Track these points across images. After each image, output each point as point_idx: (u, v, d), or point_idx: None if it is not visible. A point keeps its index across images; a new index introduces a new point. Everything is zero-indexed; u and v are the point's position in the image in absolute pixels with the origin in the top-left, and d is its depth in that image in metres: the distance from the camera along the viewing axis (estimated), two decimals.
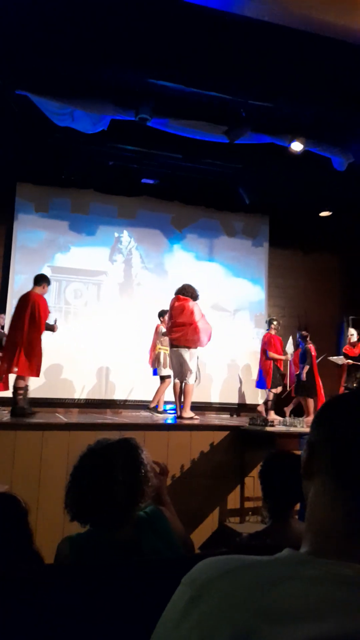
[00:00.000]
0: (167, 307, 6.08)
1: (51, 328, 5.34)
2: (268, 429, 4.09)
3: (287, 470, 1.77)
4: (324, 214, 7.77)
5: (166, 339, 6.15)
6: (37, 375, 5.09)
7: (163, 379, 6.26)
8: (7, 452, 3.75)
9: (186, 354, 5.34)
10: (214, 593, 0.58)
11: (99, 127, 5.37)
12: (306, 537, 0.67)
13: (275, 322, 7.14)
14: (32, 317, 4.99)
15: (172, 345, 5.45)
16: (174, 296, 5.58)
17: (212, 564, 0.63)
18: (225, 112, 5.35)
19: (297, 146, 5.61)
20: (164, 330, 6.15)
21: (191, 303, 5.44)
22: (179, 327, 5.37)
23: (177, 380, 5.46)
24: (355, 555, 0.61)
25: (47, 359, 7.11)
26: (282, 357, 6.93)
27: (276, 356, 6.90)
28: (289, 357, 6.91)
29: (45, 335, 5.24)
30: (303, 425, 4.26)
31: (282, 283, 8.62)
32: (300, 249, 8.62)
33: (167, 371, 6.12)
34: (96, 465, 1.45)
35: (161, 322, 6.38)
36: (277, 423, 4.39)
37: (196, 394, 5.74)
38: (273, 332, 7.07)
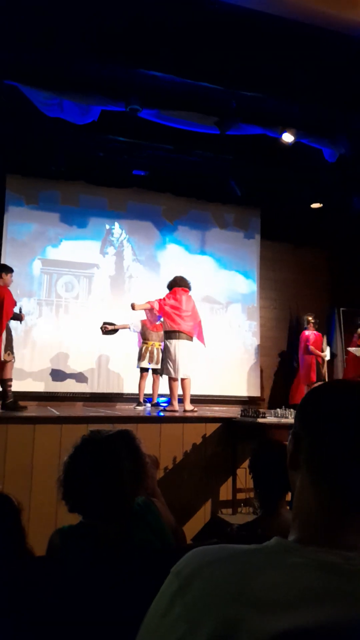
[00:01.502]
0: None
1: (18, 317, 5.27)
2: (260, 420, 4.11)
3: (275, 460, 1.78)
4: (314, 205, 7.78)
5: (153, 333, 6.15)
6: None
7: (143, 371, 6.28)
8: None
9: (192, 346, 5.41)
10: (200, 582, 0.59)
11: (89, 118, 5.31)
12: (293, 525, 0.68)
13: (312, 321, 7.44)
14: None
15: (179, 337, 5.38)
16: (174, 288, 5.56)
17: (199, 554, 0.63)
18: (216, 103, 5.32)
19: (288, 137, 5.60)
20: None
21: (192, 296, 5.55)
22: (190, 319, 5.40)
23: (185, 376, 5.36)
24: (340, 542, 0.61)
25: (38, 353, 7.14)
26: (321, 354, 7.31)
27: (317, 352, 7.28)
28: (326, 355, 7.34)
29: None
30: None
31: (273, 275, 8.63)
32: (292, 242, 8.63)
33: (144, 364, 6.16)
34: (97, 456, 1.45)
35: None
36: None
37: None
38: (312, 329, 7.42)
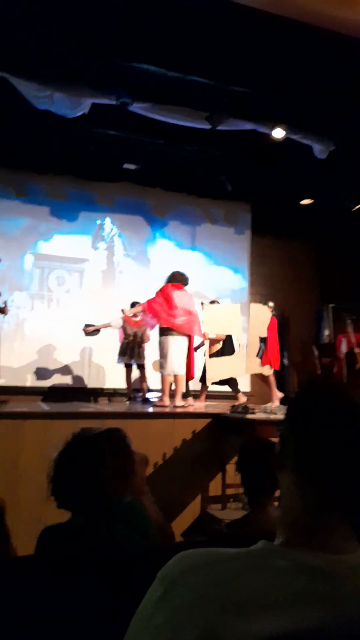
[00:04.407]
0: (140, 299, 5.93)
1: (1, 310, 5.19)
2: (249, 416, 4.13)
3: (262, 460, 1.79)
4: (305, 202, 7.78)
5: (134, 329, 6.15)
6: None
7: (128, 366, 6.32)
8: None
9: (186, 342, 5.39)
10: (184, 587, 0.59)
11: (79, 111, 5.25)
12: (280, 528, 0.68)
13: None
14: None
15: (171, 333, 5.36)
16: (167, 283, 5.54)
17: (184, 558, 0.63)
18: (207, 98, 5.29)
19: (278, 133, 5.59)
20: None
21: (189, 292, 5.51)
22: (183, 315, 5.38)
23: (180, 373, 5.35)
24: (326, 545, 0.62)
25: (30, 347, 7.09)
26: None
27: None
28: None
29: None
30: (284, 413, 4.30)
31: (263, 271, 8.63)
32: (282, 237, 8.63)
33: (126, 359, 6.21)
34: (86, 453, 1.45)
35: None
36: None
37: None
38: None
